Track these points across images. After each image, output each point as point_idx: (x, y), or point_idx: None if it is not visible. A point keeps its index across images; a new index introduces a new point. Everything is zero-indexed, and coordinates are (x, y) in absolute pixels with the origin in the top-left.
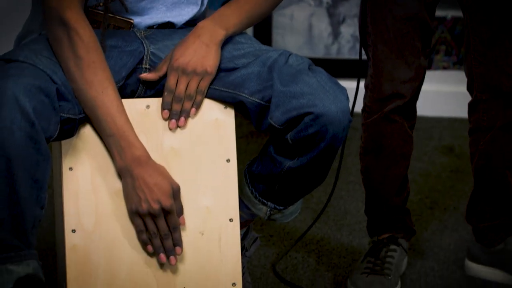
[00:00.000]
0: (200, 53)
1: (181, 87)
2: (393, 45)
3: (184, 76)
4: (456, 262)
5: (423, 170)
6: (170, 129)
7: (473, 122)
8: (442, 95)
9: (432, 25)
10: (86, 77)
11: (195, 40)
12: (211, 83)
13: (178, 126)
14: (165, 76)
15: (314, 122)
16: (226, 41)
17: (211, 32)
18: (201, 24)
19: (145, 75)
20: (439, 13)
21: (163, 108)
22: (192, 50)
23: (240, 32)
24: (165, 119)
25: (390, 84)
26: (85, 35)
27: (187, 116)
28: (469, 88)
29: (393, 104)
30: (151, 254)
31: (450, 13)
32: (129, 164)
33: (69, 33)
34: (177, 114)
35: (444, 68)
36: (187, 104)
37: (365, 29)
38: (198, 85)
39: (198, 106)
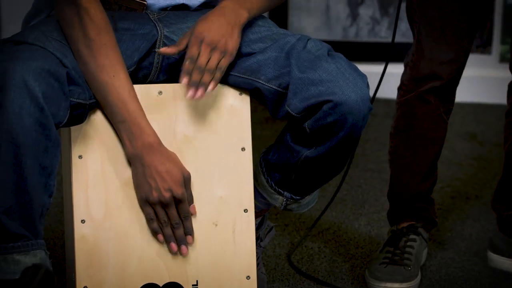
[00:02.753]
0: (224, 31)
1: (203, 58)
2: (436, 22)
3: (208, 49)
4: (478, 253)
5: (444, 158)
6: (189, 97)
7: (510, 104)
8: (465, 79)
9: (482, 7)
10: (97, 59)
11: (219, 18)
12: (227, 69)
13: (196, 97)
14: (183, 57)
15: (333, 110)
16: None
17: (236, 13)
18: (224, 3)
19: (164, 49)
20: None
21: (183, 75)
22: (216, 27)
23: (260, 14)
24: (184, 85)
25: (428, 63)
26: (96, 16)
27: (206, 88)
28: (511, 68)
29: (429, 85)
30: (162, 244)
31: None
32: (140, 151)
33: (79, 14)
34: (196, 83)
35: None
36: (207, 77)
37: (412, 4)
38: (219, 62)
39: (216, 82)
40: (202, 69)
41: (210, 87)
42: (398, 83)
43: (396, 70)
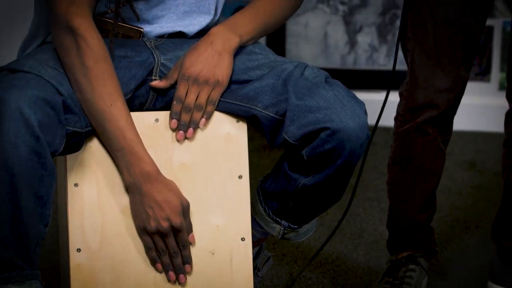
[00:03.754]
0: (212, 62)
1: (191, 97)
2: (431, 51)
3: (195, 85)
4: (478, 283)
5: (443, 187)
6: (178, 140)
7: (508, 134)
8: (464, 107)
9: (477, 35)
10: (95, 88)
11: (207, 47)
12: (224, 96)
13: (186, 138)
14: (175, 85)
15: (330, 138)
16: (240, 51)
17: (224, 39)
18: (214, 30)
19: (155, 83)
20: None
21: (171, 118)
22: (203, 58)
23: (254, 40)
24: (173, 130)
25: (424, 92)
26: (94, 43)
27: (196, 128)
28: (508, 97)
29: (426, 115)
30: (159, 273)
31: None
32: (137, 179)
33: (77, 41)
34: (185, 125)
35: None
36: (197, 115)
37: (405, 33)
38: (209, 95)
39: (208, 117)
40: (190, 108)
41: (201, 123)
42: None
43: (396, 98)
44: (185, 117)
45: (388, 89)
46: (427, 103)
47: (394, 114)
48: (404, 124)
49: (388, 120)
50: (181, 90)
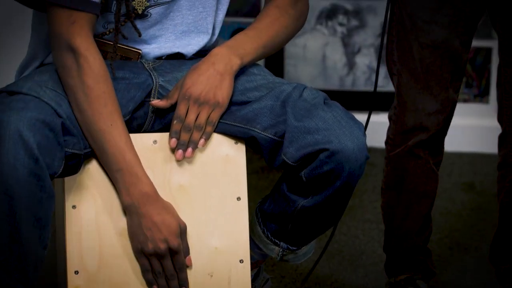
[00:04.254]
0: (213, 83)
1: (191, 116)
2: (419, 74)
3: (195, 105)
4: None
5: (442, 208)
6: (177, 160)
7: (502, 157)
8: (463, 129)
9: (464, 56)
10: (95, 108)
11: (208, 67)
12: (222, 117)
13: (185, 157)
14: (175, 106)
15: (329, 159)
16: (238, 72)
17: (226, 61)
18: (215, 51)
19: (156, 102)
20: None
21: (171, 137)
22: (205, 79)
23: (255, 62)
24: (172, 148)
25: (413, 115)
26: (95, 63)
27: (195, 147)
28: (500, 120)
29: (416, 138)
30: None
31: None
32: (136, 200)
33: (78, 61)
34: (184, 144)
35: (465, 101)
36: (196, 135)
37: (391, 57)
38: (209, 116)
39: (207, 137)
40: (190, 128)
41: (200, 143)
42: None
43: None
44: (185, 137)
45: (370, 110)
46: (417, 126)
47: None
48: (395, 148)
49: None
50: (181, 109)
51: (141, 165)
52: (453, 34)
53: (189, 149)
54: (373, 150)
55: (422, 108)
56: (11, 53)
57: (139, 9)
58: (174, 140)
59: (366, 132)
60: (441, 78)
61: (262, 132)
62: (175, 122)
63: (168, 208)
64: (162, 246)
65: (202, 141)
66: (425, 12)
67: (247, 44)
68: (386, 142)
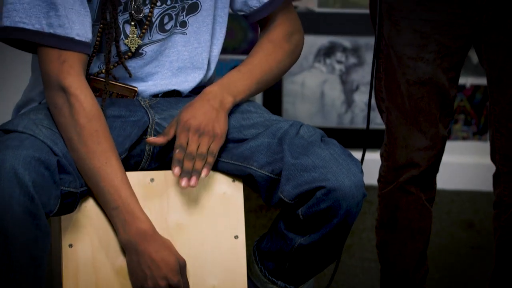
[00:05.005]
0: (210, 116)
1: (193, 146)
2: (407, 111)
3: (196, 136)
4: None
5: (441, 246)
6: (183, 187)
7: (497, 196)
8: (462, 167)
9: (451, 92)
10: (88, 146)
11: (204, 103)
12: (219, 155)
13: (190, 186)
14: (171, 143)
15: (326, 197)
16: (234, 110)
17: (220, 98)
18: (209, 89)
19: (152, 139)
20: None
21: (174, 165)
22: (202, 113)
23: (249, 98)
24: (176, 176)
25: (404, 152)
26: (86, 102)
27: (199, 176)
28: (493, 159)
29: (408, 174)
30: None
31: (469, 81)
32: (134, 238)
33: (70, 101)
34: (189, 172)
35: (464, 138)
36: (199, 164)
37: (380, 94)
38: (209, 147)
39: (209, 167)
40: (193, 156)
41: (204, 173)
42: None
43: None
44: (188, 165)
45: (364, 147)
46: (408, 163)
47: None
48: (387, 185)
49: None
50: (182, 139)
51: (137, 202)
52: (439, 70)
53: (194, 178)
54: (370, 188)
55: (412, 144)
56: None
57: (132, 48)
58: (178, 168)
59: (363, 170)
60: (429, 114)
61: (259, 170)
62: (177, 151)
63: (166, 245)
64: (162, 283)
65: (205, 170)
66: (411, 49)
67: (240, 81)
68: (379, 180)
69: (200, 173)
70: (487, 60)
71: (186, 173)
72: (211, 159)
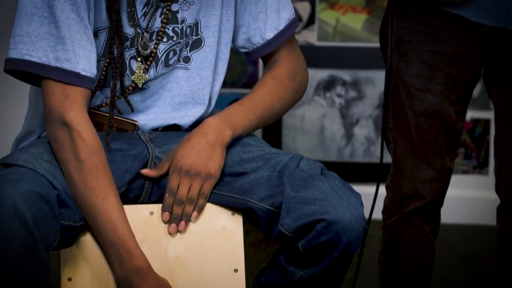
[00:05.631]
0: (204, 154)
1: (183, 189)
2: (414, 142)
3: (187, 178)
4: None
5: (443, 279)
6: (170, 233)
7: (500, 228)
8: (462, 201)
9: (458, 125)
10: (87, 182)
11: (200, 139)
12: (218, 189)
13: (178, 231)
14: (166, 175)
15: (326, 229)
16: (234, 143)
17: (218, 132)
18: (208, 121)
19: (146, 171)
20: None
21: (163, 211)
22: (196, 151)
23: (249, 133)
24: (165, 222)
25: (409, 183)
26: (88, 137)
27: (188, 220)
28: (497, 191)
29: (413, 205)
30: None
31: (469, 114)
32: (129, 275)
33: (71, 135)
34: (178, 218)
35: (464, 172)
36: (189, 208)
37: (387, 125)
38: (201, 187)
39: (200, 209)
40: (183, 201)
41: (193, 216)
42: None
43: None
44: (177, 210)
45: (378, 181)
46: (413, 194)
47: None
48: (391, 216)
49: None
50: (173, 182)
51: (134, 239)
52: (447, 102)
53: (182, 223)
54: (372, 222)
55: (418, 175)
56: (8, 125)
57: (139, 83)
58: (166, 214)
59: (364, 203)
60: (436, 146)
61: (259, 203)
62: (167, 195)
63: (161, 284)
64: None
65: (195, 213)
66: (419, 81)
67: (241, 115)
68: (383, 211)
69: (190, 217)
70: (495, 92)
71: (175, 219)
72: (202, 201)
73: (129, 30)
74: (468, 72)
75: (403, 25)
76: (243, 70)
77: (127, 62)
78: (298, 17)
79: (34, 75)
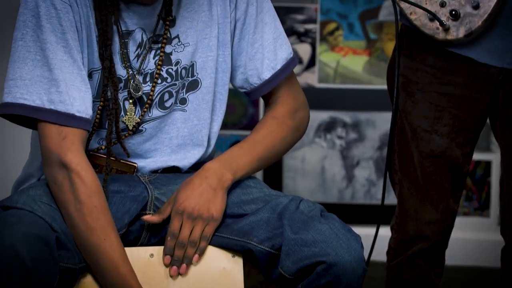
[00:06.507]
0: (206, 197)
1: (185, 232)
2: (419, 183)
3: (189, 221)
4: None
5: None
6: (171, 276)
7: (505, 270)
8: (463, 243)
9: (465, 167)
10: (88, 223)
11: (201, 182)
12: (218, 231)
13: (179, 273)
14: (169, 220)
15: (326, 272)
16: (234, 184)
17: (219, 176)
18: (208, 165)
19: (148, 217)
20: None
21: (165, 254)
22: (198, 194)
23: (250, 175)
24: (167, 266)
25: (414, 225)
26: (87, 178)
27: (189, 263)
28: (503, 233)
29: (417, 247)
30: None
31: None
32: None
33: (70, 176)
34: (179, 260)
35: (465, 214)
36: (190, 251)
37: (392, 166)
38: (203, 230)
39: (201, 252)
40: (184, 244)
41: (195, 259)
42: None
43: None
44: (179, 253)
45: (378, 223)
46: (418, 235)
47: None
48: (395, 257)
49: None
50: (175, 225)
51: (136, 278)
52: (454, 144)
53: (183, 265)
54: (372, 264)
55: (423, 217)
56: (8, 169)
57: (130, 125)
58: (168, 257)
59: (365, 245)
60: (441, 188)
61: (259, 245)
62: (169, 238)
63: None
64: None
65: (196, 256)
66: (426, 122)
67: (242, 158)
68: (388, 252)
69: (191, 260)
70: (502, 134)
71: (176, 262)
72: (204, 244)
73: (122, 72)
74: (475, 114)
75: (410, 66)
76: (244, 111)
77: (121, 104)
78: (297, 56)
79: (30, 118)
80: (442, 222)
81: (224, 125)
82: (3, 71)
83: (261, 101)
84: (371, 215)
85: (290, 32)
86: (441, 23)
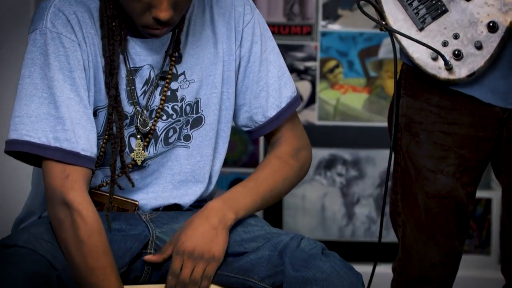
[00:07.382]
0: (207, 237)
1: (186, 271)
2: (424, 224)
3: (190, 260)
4: None
5: None
6: None
7: None
8: (464, 281)
9: (469, 208)
10: (88, 262)
11: (202, 222)
12: (220, 268)
13: None
14: (170, 259)
15: None
16: (236, 223)
17: (220, 216)
18: (210, 204)
19: (149, 257)
20: None
21: None
22: (199, 234)
23: (252, 214)
24: None
25: (418, 267)
26: (88, 217)
27: None
28: (504, 271)
29: None
30: None
31: None
32: None
33: (72, 215)
34: None
35: (465, 252)
36: None
37: (395, 208)
38: (205, 270)
39: None
40: (186, 283)
41: None
42: None
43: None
44: None
45: (375, 261)
46: (422, 278)
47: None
48: None
49: None
50: (176, 264)
51: None
52: (459, 184)
53: None
54: None
55: (427, 259)
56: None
57: (138, 161)
58: None
59: (374, 283)
60: (446, 229)
61: (259, 283)
62: (170, 277)
63: None
64: None
65: None
66: (431, 162)
67: (244, 197)
68: None
69: None
70: (504, 172)
71: None
72: (205, 283)
73: (128, 108)
74: (480, 152)
75: (414, 106)
76: (244, 149)
77: (126, 139)
78: (299, 95)
79: (35, 155)
80: (447, 264)
81: (224, 163)
82: (3, 71)
83: (262, 139)
84: (372, 252)
85: (290, 69)
86: (446, 62)
